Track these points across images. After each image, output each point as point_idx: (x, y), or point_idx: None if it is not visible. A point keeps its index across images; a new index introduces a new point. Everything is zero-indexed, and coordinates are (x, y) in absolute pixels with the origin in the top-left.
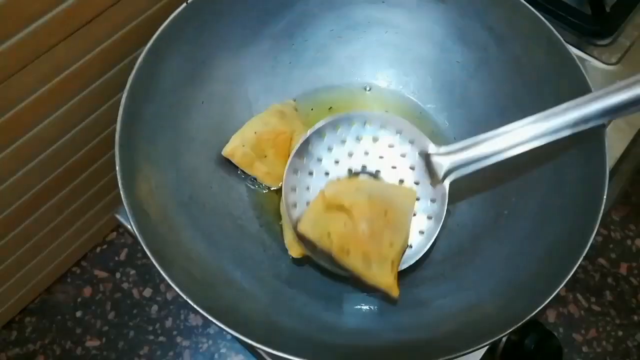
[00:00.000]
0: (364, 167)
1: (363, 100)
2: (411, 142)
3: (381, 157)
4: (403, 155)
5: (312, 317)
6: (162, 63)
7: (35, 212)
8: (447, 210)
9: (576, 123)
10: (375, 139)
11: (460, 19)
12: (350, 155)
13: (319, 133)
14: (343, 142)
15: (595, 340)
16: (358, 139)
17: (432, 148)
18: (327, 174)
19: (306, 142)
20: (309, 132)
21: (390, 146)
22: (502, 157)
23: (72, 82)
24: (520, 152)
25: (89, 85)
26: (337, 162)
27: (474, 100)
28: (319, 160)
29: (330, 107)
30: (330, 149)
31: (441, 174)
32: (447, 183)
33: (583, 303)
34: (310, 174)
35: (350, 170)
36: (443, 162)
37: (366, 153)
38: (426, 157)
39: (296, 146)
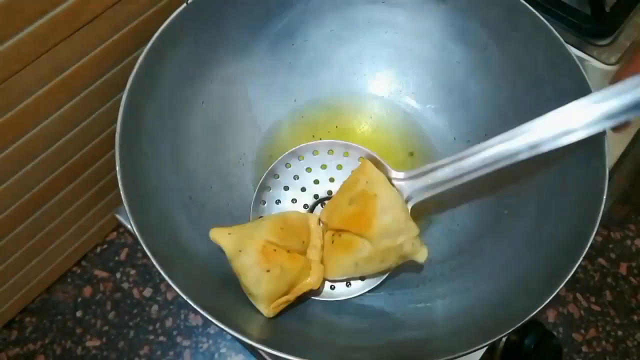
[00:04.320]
0: (329, 192)
1: (363, 99)
2: None
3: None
4: None
5: (312, 316)
6: (162, 63)
7: (36, 212)
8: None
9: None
10: (339, 167)
11: (460, 19)
12: (316, 182)
13: (284, 163)
14: (308, 170)
15: (595, 340)
16: (322, 167)
17: (393, 174)
18: (294, 200)
19: (272, 172)
20: (272, 164)
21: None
22: (463, 181)
23: (73, 82)
24: (481, 175)
25: (90, 85)
26: (303, 189)
27: (473, 101)
28: (286, 188)
29: (337, 126)
30: (296, 177)
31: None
32: (408, 207)
33: (583, 303)
34: (278, 202)
35: (316, 196)
36: (404, 187)
37: (331, 180)
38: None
39: (260, 181)
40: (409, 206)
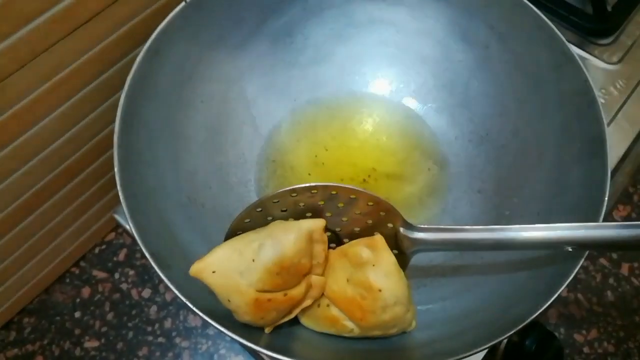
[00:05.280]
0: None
1: (363, 98)
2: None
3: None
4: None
5: None
6: (161, 62)
7: (34, 212)
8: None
9: (550, 245)
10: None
11: (461, 17)
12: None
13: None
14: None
15: (597, 341)
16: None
17: (403, 229)
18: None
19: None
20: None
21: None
22: (478, 250)
23: (71, 81)
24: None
25: (88, 85)
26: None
27: (475, 100)
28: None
29: (337, 126)
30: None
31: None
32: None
33: (584, 303)
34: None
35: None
36: (415, 238)
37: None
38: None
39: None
40: (412, 257)
